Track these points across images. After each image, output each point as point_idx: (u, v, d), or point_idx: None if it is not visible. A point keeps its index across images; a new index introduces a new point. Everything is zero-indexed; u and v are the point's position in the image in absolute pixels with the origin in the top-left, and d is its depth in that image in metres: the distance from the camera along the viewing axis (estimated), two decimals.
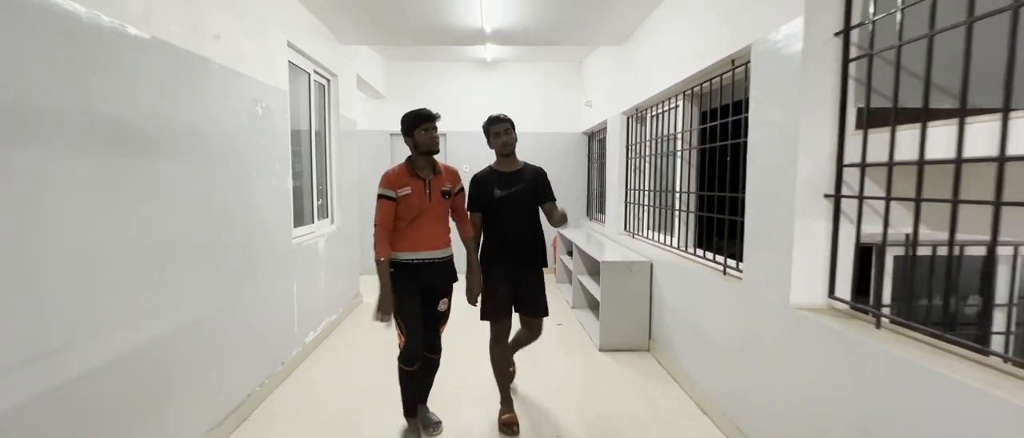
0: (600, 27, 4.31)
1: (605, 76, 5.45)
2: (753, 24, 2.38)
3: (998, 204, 1.34)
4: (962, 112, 1.44)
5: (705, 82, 3.12)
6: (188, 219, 2.25)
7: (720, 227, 2.93)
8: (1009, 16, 1.30)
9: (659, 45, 3.75)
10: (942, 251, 1.86)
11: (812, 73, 1.99)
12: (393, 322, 2.41)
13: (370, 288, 2.37)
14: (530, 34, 4.61)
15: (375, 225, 2.41)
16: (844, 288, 1.97)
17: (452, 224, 2.63)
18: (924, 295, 1.97)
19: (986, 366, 1.39)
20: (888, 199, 1.72)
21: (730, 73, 2.76)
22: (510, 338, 2.75)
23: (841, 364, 1.78)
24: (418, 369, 2.49)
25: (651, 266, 3.81)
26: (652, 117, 4.22)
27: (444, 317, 2.61)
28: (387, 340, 3.93)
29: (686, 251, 3.41)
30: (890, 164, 1.71)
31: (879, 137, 1.79)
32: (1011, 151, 1.33)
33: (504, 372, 2.71)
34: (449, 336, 2.71)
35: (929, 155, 1.58)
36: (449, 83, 6.80)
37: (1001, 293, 2.21)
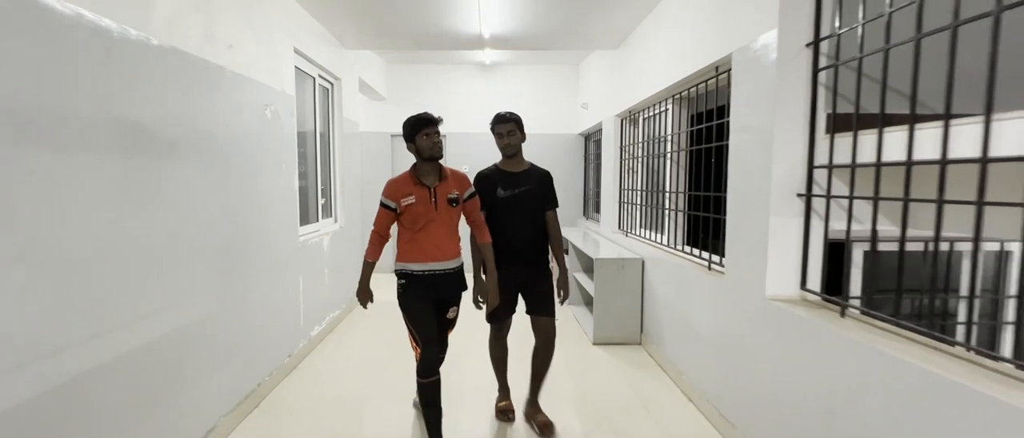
0: (594, 32, 4.46)
1: (600, 79, 5.61)
2: (734, 34, 2.53)
3: (940, 202, 1.49)
4: (912, 118, 1.60)
5: (693, 87, 3.27)
6: (204, 218, 2.40)
7: (706, 225, 3.09)
8: (949, 35, 1.46)
9: (650, 50, 3.90)
10: (910, 246, 2.01)
11: (785, 81, 2.14)
12: (407, 334, 2.41)
13: (372, 286, 2.50)
14: (526, 39, 4.76)
15: (372, 230, 2.44)
16: (815, 280, 2.13)
17: (463, 233, 2.55)
18: (890, 287, 2.13)
19: (939, 350, 1.54)
20: (851, 198, 1.88)
21: (714, 79, 2.91)
22: (531, 357, 2.74)
23: (809, 351, 1.94)
24: (435, 382, 2.38)
25: (643, 263, 3.97)
26: (644, 119, 4.37)
27: (452, 323, 2.61)
28: (388, 336, 4.09)
29: (676, 248, 3.56)
30: (853, 166, 1.86)
31: (846, 140, 1.94)
32: (955, 154, 1.49)
33: (500, 363, 2.84)
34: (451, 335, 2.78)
35: (888, 157, 1.73)
36: (449, 85, 6.95)
37: (964, 287, 2.36)
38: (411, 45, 5.03)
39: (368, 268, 2.45)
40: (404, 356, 3.56)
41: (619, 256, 4.05)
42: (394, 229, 2.48)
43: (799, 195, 2.16)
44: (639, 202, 4.44)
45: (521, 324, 2.87)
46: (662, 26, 3.65)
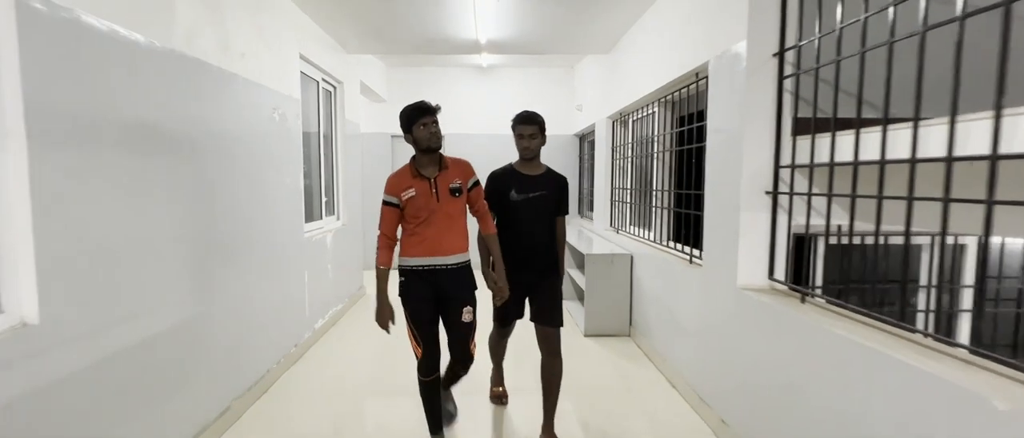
0: (585, 37, 4.65)
1: (594, 82, 5.80)
2: (710, 42, 2.72)
3: (880, 198, 1.69)
4: (858, 122, 1.79)
5: (676, 91, 3.46)
6: (217, 214, 2.59)
7: (689, 221, 3.28)
8: (886, 49, 1.65)
9: (638, 56, 4.09)
10: (869, 240, 2.21)
11: (754, 87, 2.33)
12: (407, 331, 2.35)
13: (373, 282, 2.43)
14: (521, 44, 4.96)
15: (379, 234, 2.31)
16: (780, 271, 2.32)
17: (472, 233, 2.44)
18: (853, 278, 2.32)
19: (887, 332, 1.73)
20: (809, 195, 2.07)
21: (695, 84, 3.10)
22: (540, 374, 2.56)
23: (772, 334, 2.13)
24: (436, 380, 2.37)
25: (631, 258, 4.16)
26: (633, 121, 4.57)
27: (471, 329, 2.39)
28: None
29: (662, 244, 3.76)
30: (811, 165, 2.06)
31: (806, 142, 2.13)
32: (893, 155, 1.68)
33: (498, 355, 3.01)
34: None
35: (841, 158, 1.92)
36: (447, 87, 7.12)
37: (923, 277, 2.56)
38: (411, 50, 5.23)
39: (382, 277, 2.30)
40: (405, 348, 3.74)
41: (609, 252, 4.25)
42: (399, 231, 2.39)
43: (767, 192, 2.35)
44: (629, 200, 4.63)
45: (522, 328, 2.84)
46: (649, 32, 3.84)
